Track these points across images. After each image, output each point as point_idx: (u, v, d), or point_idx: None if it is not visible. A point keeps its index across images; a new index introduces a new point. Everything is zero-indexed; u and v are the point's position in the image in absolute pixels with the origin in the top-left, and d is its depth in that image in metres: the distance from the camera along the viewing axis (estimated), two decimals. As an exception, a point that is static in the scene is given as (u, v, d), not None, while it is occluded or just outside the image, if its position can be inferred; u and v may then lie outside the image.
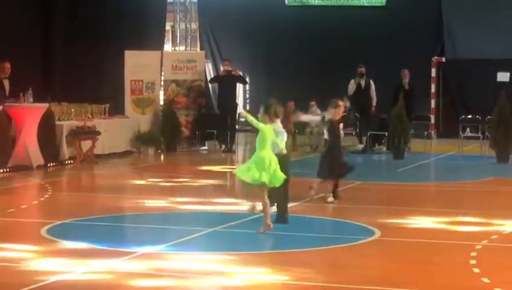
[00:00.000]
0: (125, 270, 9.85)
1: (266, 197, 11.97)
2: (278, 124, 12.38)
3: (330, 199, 14.57)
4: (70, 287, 9.06)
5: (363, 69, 24.26)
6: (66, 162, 20.03)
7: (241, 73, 26.58)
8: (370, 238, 11.81)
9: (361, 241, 11.61)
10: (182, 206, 14.81)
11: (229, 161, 22.62)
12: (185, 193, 16.36)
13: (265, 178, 11.80)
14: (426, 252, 10.91)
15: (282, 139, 12.42)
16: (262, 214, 12.12)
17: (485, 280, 9.38)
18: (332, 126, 14.62)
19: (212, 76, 28.59)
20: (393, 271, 9.87)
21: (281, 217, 12.54)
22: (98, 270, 9.75)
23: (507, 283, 9.26)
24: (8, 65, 19.46)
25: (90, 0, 24.71)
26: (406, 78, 24.28)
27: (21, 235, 12.10)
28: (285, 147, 12.49)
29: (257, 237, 11.91)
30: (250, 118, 12.48)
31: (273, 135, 12.07)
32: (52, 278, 9.27)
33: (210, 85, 28.25)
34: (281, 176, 12.03)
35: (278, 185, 12.07)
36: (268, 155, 11.93)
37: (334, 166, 14.54)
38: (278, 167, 11.99)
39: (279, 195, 12.49)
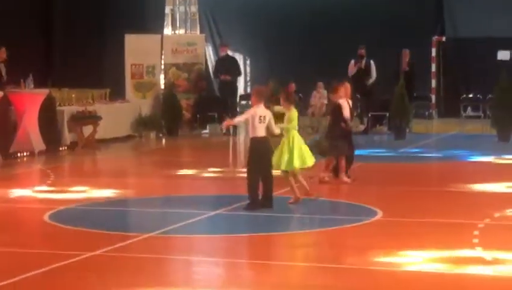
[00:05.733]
0: (129, 254, 9.90)
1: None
2: (262, 108, 12.41)
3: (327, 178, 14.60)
4: (75, 272, 9.09)
5: (363, 51, 24.19)
6: (68, 147, 20.04)
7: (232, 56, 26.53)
8: (373, 219, 11.85)
9: (365, 222, 11.65)
10: (184, 189, 14.85)
11: (231, 143, 22.64)
12: (186, 177, 16.41)
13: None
14: (429, 231, 10.96)
15: (262, 121, 12.30)
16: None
17: (488, 259, 9.42)
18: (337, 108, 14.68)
19: (214, 63, 28.44)
20: (397, 251, 9.90)
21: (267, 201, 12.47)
22: (103, 254, 9.79)
23: (509, 261, 9.30)
24: (3, 50, 19.39)
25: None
26: (406, 58, 24.30)
27: (24, 221, 12.18)
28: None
29: (258, 219, 11.94)
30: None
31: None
32: (56, 264, 9.29)
33: (212, 71, 28.28)
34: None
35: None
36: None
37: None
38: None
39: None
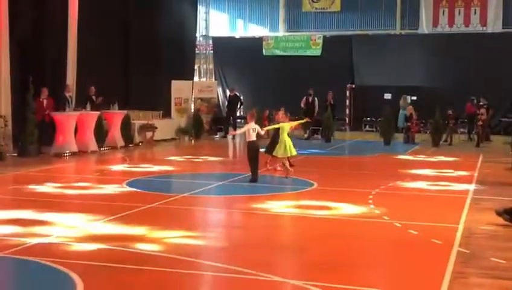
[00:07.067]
0: (172, 206, 9.93)
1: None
2: (253, 124, 12.61)
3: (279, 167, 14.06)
4: (141, 215, 9.07)
5: (311, 91, 24.24)
6: (137, 144, 20.00)
7: (238, 95, 26.49)
8: (311, 188, 11.92)
9: (306, 189, 11.72)
10: (203, 169, 14.87)
11: (231, 143, 22.69)
12: (204, 161, 16.43)
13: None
14: (342, 195, 11.00)
15: (254, 131, 12.52)
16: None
17: (377, 211, 9.50)
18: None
19: (227, 100, 28.34)
20: (323, 207, 9.97)
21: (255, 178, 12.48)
22: (157, 206, 9.80)
23: (394, 215, 9.37)
24: (93, 88, 18.88)
25: (156, 46, 24.60)
26: (331, 96, 24.38)
27: (108, 184, 11.99)
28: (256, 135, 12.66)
29: (245, 187, 11.96)
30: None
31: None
32: (128, 211, 9.23)
33: (221, 102, 28.38)
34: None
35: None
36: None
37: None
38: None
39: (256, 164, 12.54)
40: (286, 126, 13.22)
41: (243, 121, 28.38)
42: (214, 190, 11.75)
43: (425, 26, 28.85)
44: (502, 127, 26.35)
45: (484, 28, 28.14)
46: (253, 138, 12.45)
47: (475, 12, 28.40)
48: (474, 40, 27.20)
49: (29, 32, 18.10)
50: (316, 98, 24.27)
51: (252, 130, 12.45)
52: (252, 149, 12.49)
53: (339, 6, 30.26)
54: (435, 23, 28.82)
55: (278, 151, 13.02)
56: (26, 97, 15.89)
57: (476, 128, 22.38)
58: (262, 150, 13.20)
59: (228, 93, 27.24)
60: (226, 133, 24.04)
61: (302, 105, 23.83)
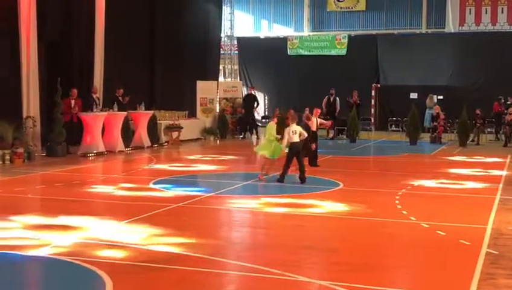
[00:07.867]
0: (199, 205, 9.94)
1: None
2: (294, 126, 12.52)
3: None
4: (169, 214, 9.10)
5: (333, 91, 24.15)
6: (163, 144, 20.11)
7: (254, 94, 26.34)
8: (337, 188, 11.85)
9: (333, 189, 11.66)
10: (228, 168, 14.87)
11: (254, 143, 22.71)
12: (229, 160, 16.43)
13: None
14: (368, 195, 10.96)
15: (295, 133, 12.41)
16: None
17: (404, 212, 9.41)
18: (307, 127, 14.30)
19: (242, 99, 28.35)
20: (349, 207, 9.89)
21: (303, 177, 12.41)
22: (184, 205, 9.84)
23: (421, 216, 9.29)
24: (121, 90, 18.80)
25: (181, 47, 24.72)
26: (355, 96, 24.22)
27: (138, 186, 12.10)
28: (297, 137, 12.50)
29: (271, 187, 11.93)
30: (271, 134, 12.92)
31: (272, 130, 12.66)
32: (157, 210, 9.27)
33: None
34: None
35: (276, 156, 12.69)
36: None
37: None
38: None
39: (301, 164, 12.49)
40: (271, 128, 12.93)
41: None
42: (239, 189, 11.76)
43: (451, 25, 28.56)
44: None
45: (511, 26, 27.76)
46: (296, 139, 12.38)
47: (502, 11, 28.03)
48: (501, 39, 26.84)
49: (56, 34, 18.30)
50: (337, 98, 24.18)
51: (292, 132, 12.39)
52: (293, 150, 12.39)
53: (364, 5, 30.11)
54: (462, 22, 28.52)
55: (267, 152, 12.75)
56: (54, 98, 16.07)
57: (504, 128, 22.08)
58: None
59: (248, 91, 27.23)
60: (246, 132, 24.15)
61: (323, 105, 23.75)
